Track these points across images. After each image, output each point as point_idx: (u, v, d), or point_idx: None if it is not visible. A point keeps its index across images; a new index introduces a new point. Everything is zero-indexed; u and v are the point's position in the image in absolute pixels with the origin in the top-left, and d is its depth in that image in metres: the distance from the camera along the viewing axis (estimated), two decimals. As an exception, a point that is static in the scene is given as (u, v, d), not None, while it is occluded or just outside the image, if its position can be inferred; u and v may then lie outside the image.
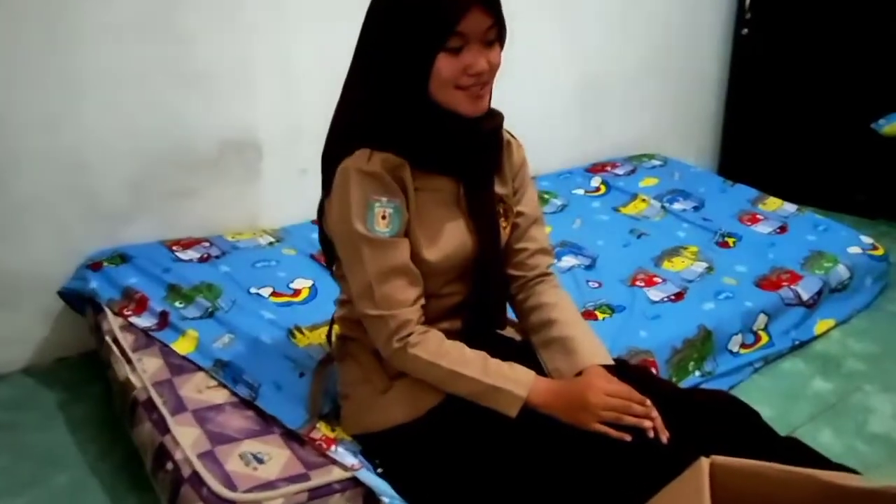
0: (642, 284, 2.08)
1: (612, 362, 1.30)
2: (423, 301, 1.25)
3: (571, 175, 2.87)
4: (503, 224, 1.36)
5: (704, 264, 2.20)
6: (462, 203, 1.29)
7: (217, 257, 2.07)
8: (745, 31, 3.20)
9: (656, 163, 3.02)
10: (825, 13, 3.02)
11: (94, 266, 1.94)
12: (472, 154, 1.27)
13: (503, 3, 1.17)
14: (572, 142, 3.00)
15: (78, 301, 1.95)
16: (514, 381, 1.21)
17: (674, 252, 2.28)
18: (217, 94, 2.14)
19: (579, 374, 1.25)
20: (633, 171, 2.92)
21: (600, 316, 1.92)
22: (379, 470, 1.36)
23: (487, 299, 1.37)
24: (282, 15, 2.17)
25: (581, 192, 2.73)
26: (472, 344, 1.32)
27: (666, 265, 2.20)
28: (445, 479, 1.25)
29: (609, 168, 2.94)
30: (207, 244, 2.13)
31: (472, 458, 1.24)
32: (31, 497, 1.55)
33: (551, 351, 1.31)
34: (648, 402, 1.18)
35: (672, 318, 1.92)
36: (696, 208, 2.62)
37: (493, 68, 1.19)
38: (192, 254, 2.06)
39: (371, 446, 1.39)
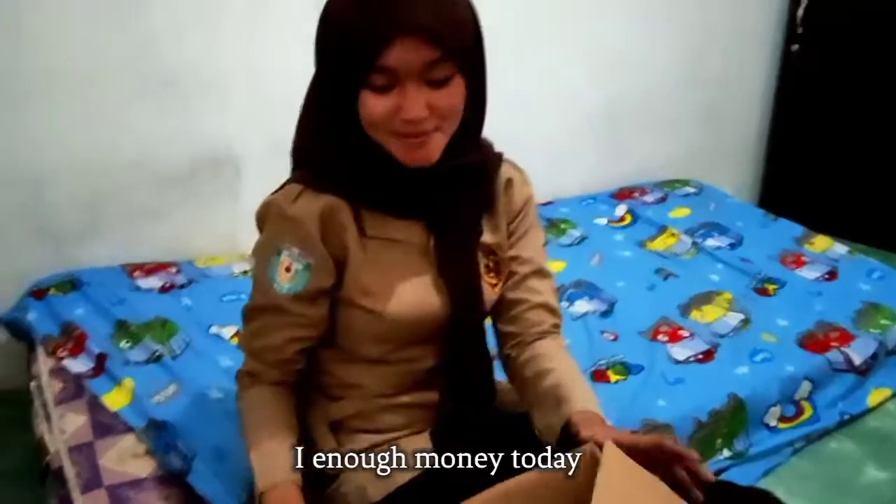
0: (665, 339, 1.80)
1: (600, 413, 1.00)
2: (295, 364, 1.07)
3: (594, 202, 2.59)
4: (492, 281, 1.10)
5: (740, 316, 1.91)
6: (431, 255, 1.03)
7: (182, 287, 1.84)
8: (796, 46, 2.90)
9: (690, 190, 2.73)
10: (887, 28, 2.70)
11: (38, 293, 1.73)
12: (433, 196, 1.01)
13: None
14: (596, 164, 2.73)
15: (20, 331, 1.73)
16: (265, 462, 1.00)
17: (705, 299, 1.99)
18: (189, 103, 1.91)
19: (567, 423, 0.97)
20: (663, 199, 2.63)
21: (613, 377, 1.64)
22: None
23: (466, 369, 1.11)
24: (265, 17, 1.94)
25: (604, 221, 2.45)
26: (456, 422, 1.08)
27: (695, 315, 1.91)
28: None
29: (637, 194, 2.65)
30: (174, 270, 1.90)
31: None
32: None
33: (542, 406, 1.04)
34: None
35: (698, 384, 1.64)
36: (732, 246, 2.32)
37: (442, 112, 0.92)
38: (153, 282, 1.84)
39: None
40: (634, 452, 0.86)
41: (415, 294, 1.03)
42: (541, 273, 1.14)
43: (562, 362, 1.08)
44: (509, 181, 1.11)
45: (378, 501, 1.04)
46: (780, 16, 2.92)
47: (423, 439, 1.09)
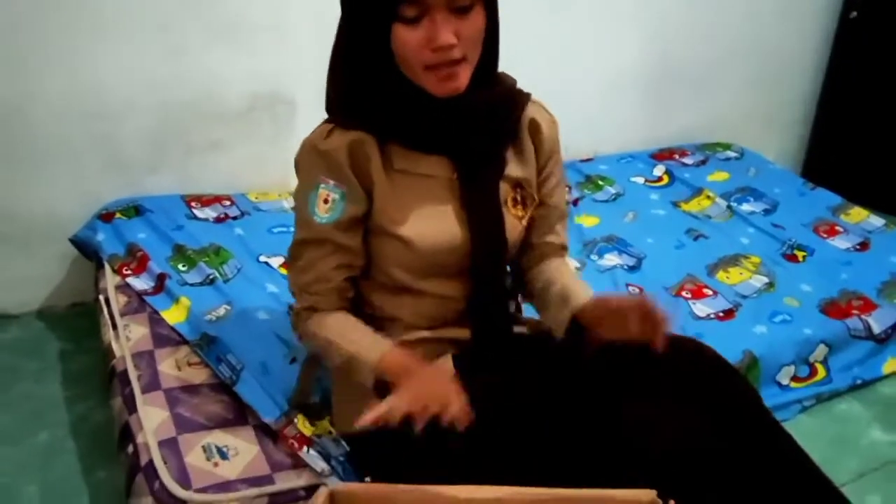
0: (689, 296, 1.87)
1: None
2: (346, 292, 1.17)
3: (633, 160, 2.63)
4: (520, 213, 1.20)
5: (765, 279, 1.96)
6: (456, 189, 1.13)
7: (234, 218, 1.97)
8: (854, 14, 2.84)
9: (731, 154, 2.74)
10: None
11: (106, 217, 1.88)
12: (460, 132, 1.10)
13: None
14: (639, 122, 2.75)
15: (88, 250, 1.89)
16: (367, 347, 1.10)
17: (732, 261, 2.04)
18: (249, 43, 2.01)
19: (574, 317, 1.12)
20: (703, 162, 2.66)
21: (633, 328, 1.72)
22: (367, 479, 1.23)
23: (489, 300, 1.22)
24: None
25: (641, 180, 2.50)
26: (483, 351, 1.20)
27: (720, 276, 1.97)
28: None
29: (677, 156, 2.68)
30: (228, 203, 2.03)
31: (480, 466, 1.09)
32: (8, 452, 1.51)
33: (551, 307, 1.19)
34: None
35: (716, 339, 1.65)
36: (766, 211, 2.35)
37: (468, 40, 1.01)
38: (208, 212, 1.97)
39: (360, 449, 1.27)
40: (621, 310, 1.03)
41: (438, 224, 1.13)
42: (564, 216, 1.27)
43: (565, 273, 1.23)
44: (535, 121, 1.19)
45: None
46: (842, -20, 2.87)
47: (447, 362, 1.20)
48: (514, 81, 1.17)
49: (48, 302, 2.04)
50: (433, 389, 0.99)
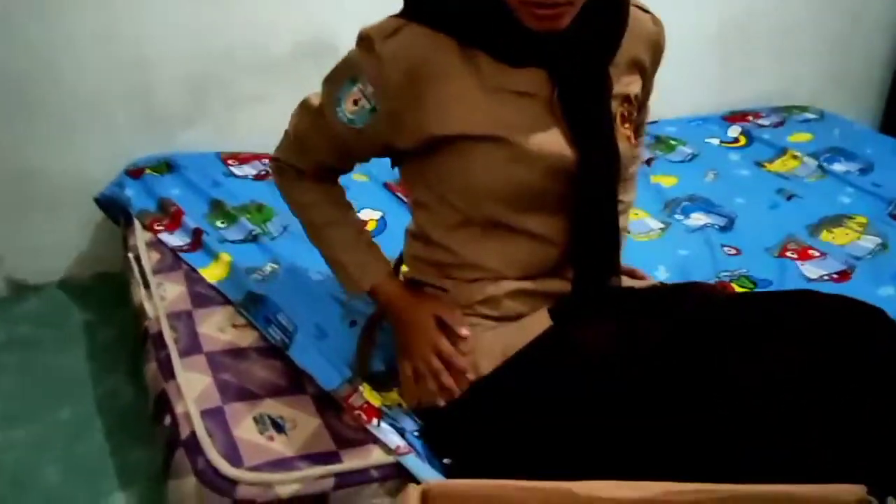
0: (794, 257, 1.63)
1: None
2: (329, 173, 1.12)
3: (704, 123, 2.40)
4: (627, 132, 1.01)
5: (877, 239, 1.72)
6: (558, 110, 0.94)
7: (276, 176, 1.77)
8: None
9: (810, 116, 2.50)
10: None
11: (135, 173, 1.69)
12: (559, 45, 0.92)
13: None
14: (708, 85, 2.52)
15: (115, 210, 1.70)
16: (363, 269, 1.08)
17: (836, 221, 1.80)
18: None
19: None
20: (780, 124, 2.42)
21: (738, 290, 1.50)
22: (445, 461, 1.03)
23: (597, 236, 1.02)
24: None
25: (716, 141, 2.27)
26: (587, 304, 1.02)
27: (825, 236, 1.74)
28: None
29: (751, 118, 2.45)
30: (268, 160, 1.83)
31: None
32: (26, 432, 1.32)
33: None
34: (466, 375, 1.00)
35: None
36: (862, 171, 2.11)
37: None
38: (248, 170, 1.77)
39: (438, 427, 1.06)
40: None
41: (543, 141, 0.94)
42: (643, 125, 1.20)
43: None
44: (640, 20, 1.03)
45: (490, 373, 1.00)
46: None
47: (542, 315, 1.02)
48: None
49: (70, 272, 1.85)
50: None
